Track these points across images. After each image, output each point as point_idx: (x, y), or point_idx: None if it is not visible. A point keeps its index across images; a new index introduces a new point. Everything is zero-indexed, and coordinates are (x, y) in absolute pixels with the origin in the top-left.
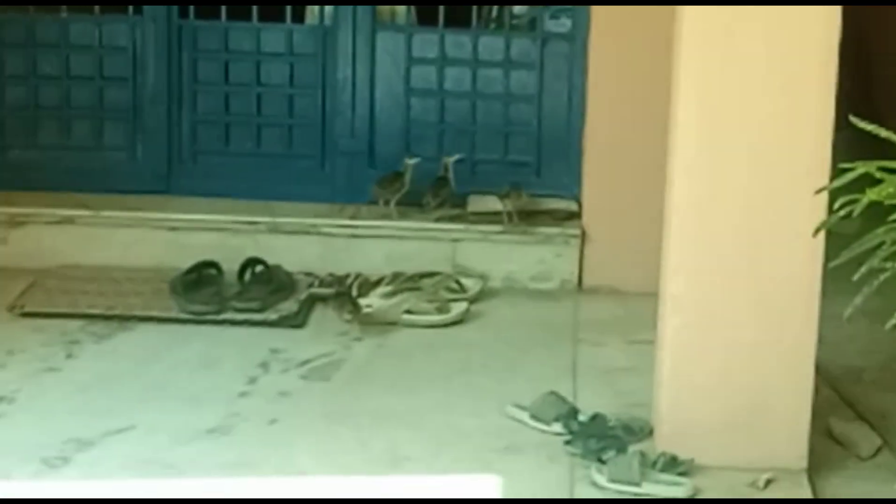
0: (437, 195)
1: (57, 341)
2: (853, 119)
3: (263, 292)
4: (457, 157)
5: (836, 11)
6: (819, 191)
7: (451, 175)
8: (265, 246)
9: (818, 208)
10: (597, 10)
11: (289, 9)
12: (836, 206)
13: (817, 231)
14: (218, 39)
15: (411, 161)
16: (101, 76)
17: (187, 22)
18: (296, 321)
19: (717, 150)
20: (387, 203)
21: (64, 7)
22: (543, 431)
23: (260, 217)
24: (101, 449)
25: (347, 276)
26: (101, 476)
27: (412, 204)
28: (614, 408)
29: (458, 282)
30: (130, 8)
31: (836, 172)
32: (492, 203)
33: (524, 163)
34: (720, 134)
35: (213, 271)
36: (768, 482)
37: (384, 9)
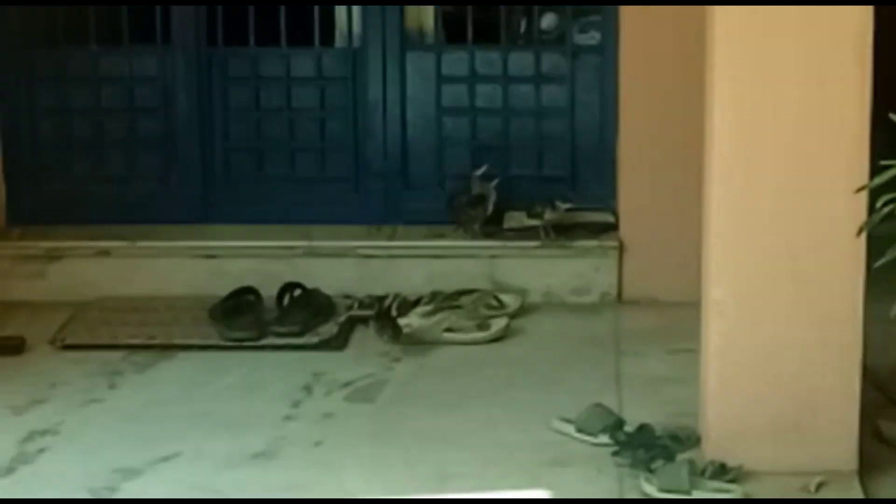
0: (470, 214)
1: (99, 372)
2: (893, 116)
3: (303, 316)
4: (496, 181)
5: (868, 10)
6: (859, 189)
7: (491, 198)
8: (303, 270)
9: (859, 207)
10: (626, 21)
11: (317, 32)
12: (879, 204)
13: (861, 231)
14: (248, 66)
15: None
16: (133, 107)
17: (216, 49)
18: (336, 343)
19: (754, 152)
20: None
21: (94, 40)
22: (590, 444)
23: (296, 241)
24: (148, 477)
25: (386, 296)
26: None
27: (448, 223)
28: (660, 418)
29: (497, 298)
30: (159, 38)
31: (876, 170)
32: (528, 219)
33: (559, 177)
34: (756, 135)
35: (251, 297)
36: (820, 485)
37: (413, 28)
